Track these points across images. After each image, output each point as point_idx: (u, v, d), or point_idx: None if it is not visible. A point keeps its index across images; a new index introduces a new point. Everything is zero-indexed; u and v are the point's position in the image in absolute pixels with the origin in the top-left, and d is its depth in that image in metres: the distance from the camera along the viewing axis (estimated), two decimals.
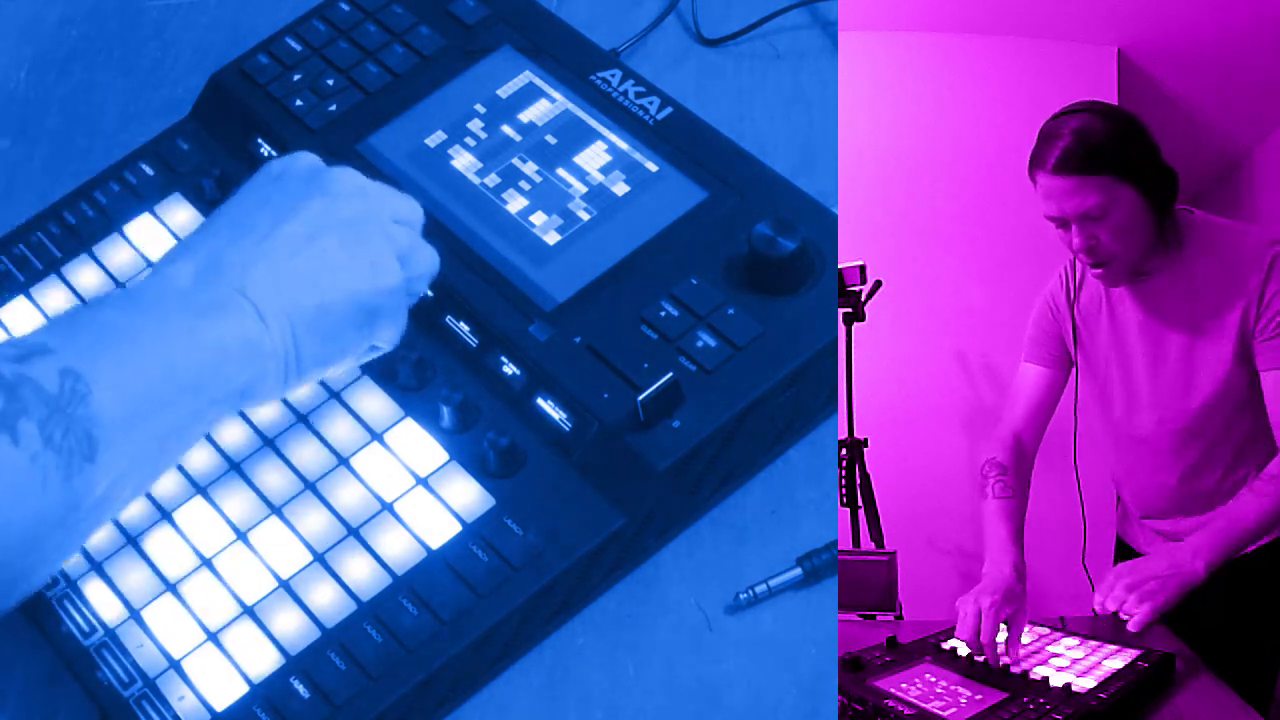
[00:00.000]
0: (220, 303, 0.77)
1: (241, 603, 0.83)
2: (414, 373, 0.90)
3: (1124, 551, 1.41)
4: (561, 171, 0.97)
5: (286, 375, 0.80)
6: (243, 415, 0.90)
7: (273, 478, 0.88)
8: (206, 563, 0.85)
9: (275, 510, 0.86)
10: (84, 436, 0.69)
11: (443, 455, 0.87)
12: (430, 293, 0.91)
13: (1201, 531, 1.20)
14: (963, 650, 1.12)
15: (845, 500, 2.19)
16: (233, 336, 0.76)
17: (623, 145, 0.97)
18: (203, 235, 0.81)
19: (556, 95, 1.01)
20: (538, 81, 1.02)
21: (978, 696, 1.01)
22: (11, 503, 0.67)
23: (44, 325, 0.77)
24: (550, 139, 0.99)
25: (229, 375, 0.76)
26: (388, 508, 0.86)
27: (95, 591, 0.85)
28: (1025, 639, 1.13)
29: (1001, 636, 1.10)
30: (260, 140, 1.02)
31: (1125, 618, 1.15)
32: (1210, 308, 1.20)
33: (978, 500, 1.29)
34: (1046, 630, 1.20)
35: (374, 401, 0.90)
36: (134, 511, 0.87)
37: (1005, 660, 1.09)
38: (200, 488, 0.88)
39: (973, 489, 1.33)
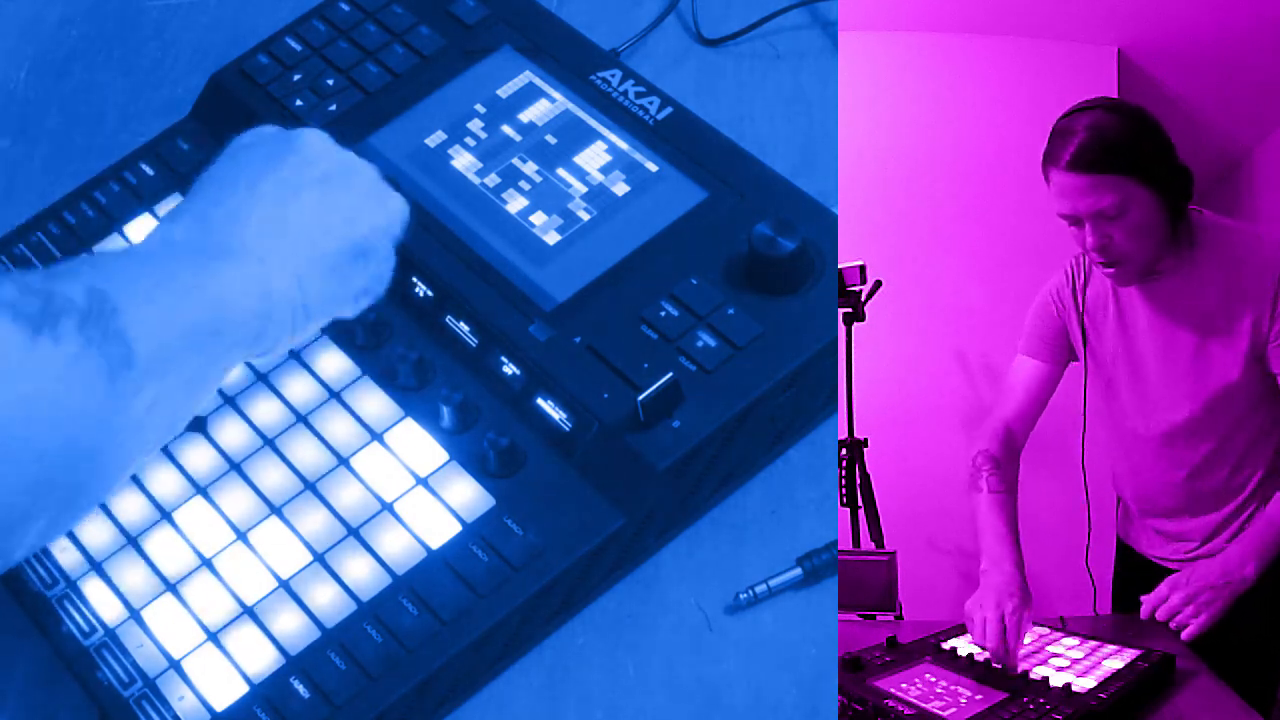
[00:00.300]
0: (222, 251, 0.76)
1: (241, 603, 0.83)
2: (414, 373, 0.90)
3: (1124, 552, 1.40)
4: (561, 171, 0.97)
5: (295, 319, 0.79)
6: (242, 415, 0.90)
7: (273, 478, 0.88)
8: (206, 563, 0.85)
9: (275, 510, 0.87)
10: (120, 342, 0.68)
11: (443, 455, 0.87)
12: (431, 292, 0.91)
13: (1244, 536, 1.20)
14: (963, 650, 1.12)
15: (845, 500, 2.19)
16: (241, 280, 0.76)
17: (623, 145, 0.97)
18: (186, 203, 0.81)
19: (556, 95, 1.01)
20: (538, 81, 1.02)
21: (978, 696, 1.01)
22: (60, 399, 0.65)
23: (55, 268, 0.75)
24: (550, 139, 0.99)
25: (242, 320, 0.76)
26: (388, 508, 0.86)
27: (95, 591, 0.85)
28: (1025, 639, 1.13)
29: None
30: None
31: (1177, 628, 1.15)
32: (1222, 310, 1.20)
33: (968, 491, 1.29)
34: (1046, 630, 1.20)
35: (374, 401, 0.90)
36: (134, 511, 0.87)
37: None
38: (200, 488, 0.88)
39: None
